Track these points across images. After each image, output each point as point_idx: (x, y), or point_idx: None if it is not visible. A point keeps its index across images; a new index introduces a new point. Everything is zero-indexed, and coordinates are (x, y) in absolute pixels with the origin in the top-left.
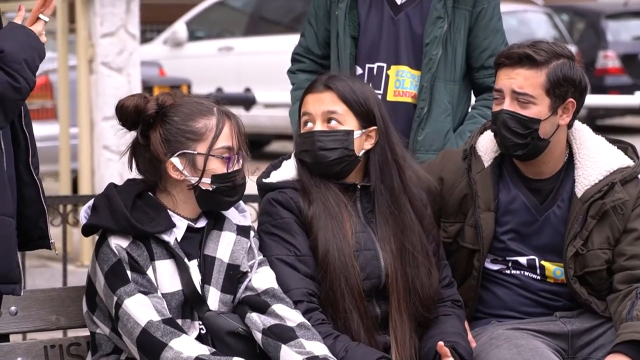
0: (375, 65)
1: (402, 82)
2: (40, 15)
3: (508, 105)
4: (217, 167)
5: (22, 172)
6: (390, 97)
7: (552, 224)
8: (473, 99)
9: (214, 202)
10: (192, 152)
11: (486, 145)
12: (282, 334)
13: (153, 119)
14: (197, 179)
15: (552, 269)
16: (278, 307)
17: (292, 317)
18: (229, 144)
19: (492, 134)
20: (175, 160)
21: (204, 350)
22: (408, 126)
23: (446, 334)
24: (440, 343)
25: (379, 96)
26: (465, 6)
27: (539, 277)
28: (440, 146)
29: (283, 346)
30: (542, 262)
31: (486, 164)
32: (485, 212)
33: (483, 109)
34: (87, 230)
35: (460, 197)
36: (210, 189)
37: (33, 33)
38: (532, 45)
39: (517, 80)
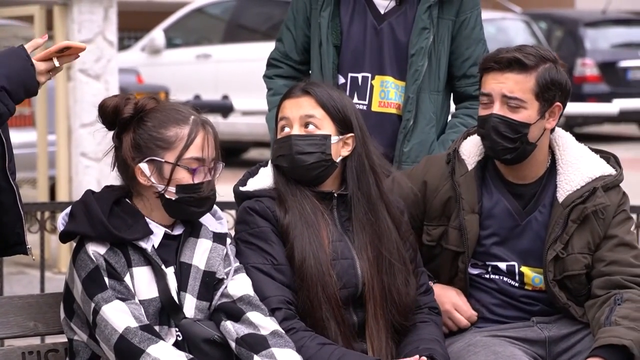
0: (359, 75)
1: (387, 93)
2: (54, 59)
3: (498, 109)
4: (183, 177)
5: None
6: (375, 108)
7: (534, 229)
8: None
9: (180, 211)
10: (160, 159)
11: (470, 150)
12: (255, 345)
13: (128, 122)
14: (163, 187)
15: (532, 276)
16: (252, 315)
17: (266, 324)
18: (198, 155)
19: (476, 139)
20: (143, 166)
21: (182, 356)
22: (393, 137)
23: (423, 341)
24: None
25: (364, 107)
26: (449, 16)
27: (517, 284)
28: None
29: (255, 356)
30: (522, 269)
31: (469, 167)
32: (469, 215)
33: (465, 117)
34: (64, 237)
35: (444, 200)
36: (173, 199)
37: (31, 70)
38: (520, 49)
39: (507, 85)
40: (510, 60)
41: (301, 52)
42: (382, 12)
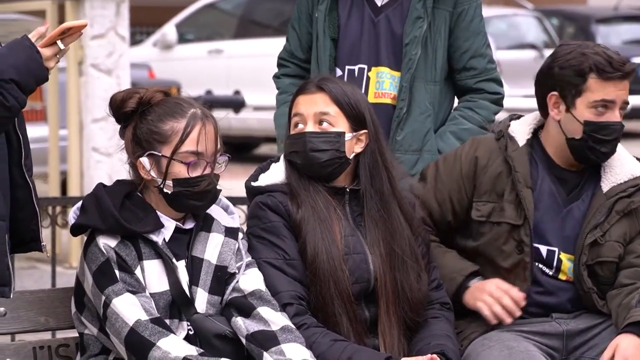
0: (356, 67)
1: (381, 84)
2: (58, 42)
3: (618, 117)
4: (180, 171)
5: (15, 174)
6: (371, 99)
7: (575, 217)
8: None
9: (181, 205)
10: (157, 153)
11: (519, 129)
12: (265, 342)
13: (130, 116)
14: (161, 180)
15: (569, 265)
16: (263, 310)
17: (276, 320)
18: (194, 148)
19: (524, 120)
20: (144, 160)
21: (192, 350)
22: (388, 127)
23: (434, 337)
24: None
25: None
26: (445, 7)
27: (551, 273)
28: (419, 147)
29: (265, 353)
30: (561, 256)
31: (520, 144)
32: (525, 189)
33: (465, 110)
34: (75, 230)
35: (494, 175)
36: (170, 192)
37: (38, 58)
38: (620, 54)
39: (625, 92)
40: (631, 70)
41: (306, 50)
42: (379, 4)
